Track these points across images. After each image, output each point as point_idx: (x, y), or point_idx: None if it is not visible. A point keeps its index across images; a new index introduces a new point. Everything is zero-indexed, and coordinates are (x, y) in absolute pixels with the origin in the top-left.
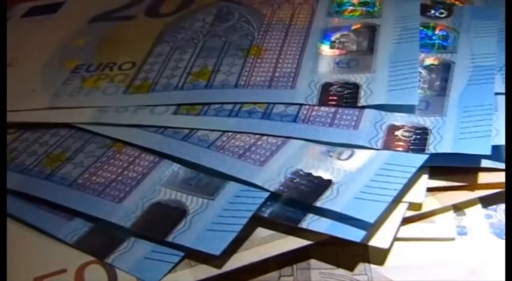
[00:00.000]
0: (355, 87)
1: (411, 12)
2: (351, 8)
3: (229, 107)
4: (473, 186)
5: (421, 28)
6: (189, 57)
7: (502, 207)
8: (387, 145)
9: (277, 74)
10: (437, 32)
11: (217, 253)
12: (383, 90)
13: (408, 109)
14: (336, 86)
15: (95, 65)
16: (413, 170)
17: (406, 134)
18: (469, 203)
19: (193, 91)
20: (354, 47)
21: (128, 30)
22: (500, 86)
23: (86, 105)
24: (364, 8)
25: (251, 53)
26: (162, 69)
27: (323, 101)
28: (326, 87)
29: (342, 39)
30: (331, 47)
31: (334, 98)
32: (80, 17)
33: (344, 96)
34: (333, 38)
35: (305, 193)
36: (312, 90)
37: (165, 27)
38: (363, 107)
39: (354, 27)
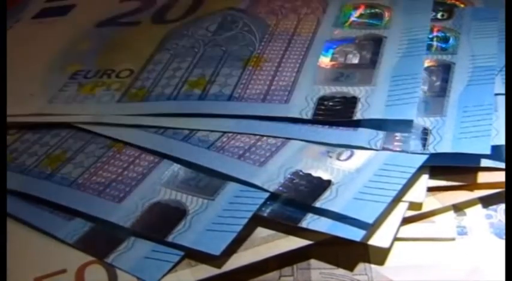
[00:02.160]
0: (352, 101)
1: (420, 24)
2: (358, 19)
3: None
4: (473, 186)
5: None
6: (186, 66)
7: (502, 207)
8: (387, 146)
9: (273, 87)
10: (435, 33)
11: (217, 253)
12: (381, 104)
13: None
14: (331, 100)
15: (93, 71)
16: (413, 170)
17: (406, 134)
18: (469, 203)
19: (186, 102)
20: (356, 60)
21: (132, 36)
22: (500, 87)
23: (80, 113)
24: (371, 21)
25: (250, 63)
26: (159, 77)
27: (318, 115)
28: (322, 100)
29: (345, 51)
30: (332, 59)
31: (329, 112)
32: (88, 21)
33: (339, 110)
34: (335, 50)
35: (304, 194)
36: (308, 103)
37: (168, 34)
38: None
39: (358, 39)
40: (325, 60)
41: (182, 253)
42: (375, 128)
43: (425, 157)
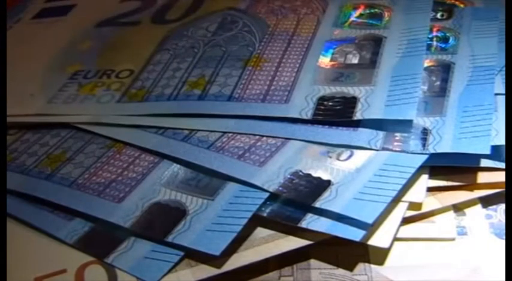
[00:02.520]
0: (352, 101)
1: (420, 24)
2: (358, 19)
3: None
4: (473, 186)
5: None
6: (186, 67)
7: (502, 207)
8: (386, 146)
9: (273, 87)
10: (435, 33)
11: (217, 253)
12: (381, 104)
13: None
14: (331, 100)
15: (93, 72)
16: (412, 170)
17: (406, 134)
18: (469, 203)
19: (186, 102)
20: (356, 60)
21: (132, 36)
22: (500, 87)
23: (80, 113)
24: (371, 21)
25: (249, 63)
26: (159, 78)
27: (318, 115)
28: (322, 100)
29: (344, 51)
30: (332, 59)
31: (329, 112)
32: (88, 21)
33: (339, 110)
34: (334, 50)
35: (304, 194)
36: (308, 103)
37: (168, 34)
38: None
39: (358, 39)
40: (325, 60)
41: (182, 253)
42: (375, 128)
43: (425, 157)
